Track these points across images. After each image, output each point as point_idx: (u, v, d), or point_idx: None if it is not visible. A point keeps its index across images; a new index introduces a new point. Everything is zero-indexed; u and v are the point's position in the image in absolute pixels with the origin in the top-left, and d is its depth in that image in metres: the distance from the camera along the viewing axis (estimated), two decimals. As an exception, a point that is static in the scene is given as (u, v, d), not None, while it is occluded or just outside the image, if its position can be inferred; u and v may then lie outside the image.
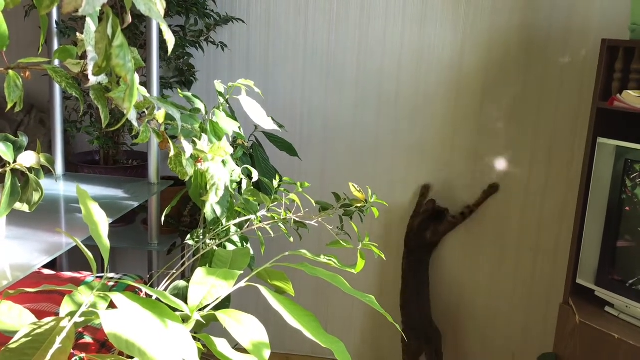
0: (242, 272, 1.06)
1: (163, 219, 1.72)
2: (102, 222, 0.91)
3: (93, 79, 0.80)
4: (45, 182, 1.16)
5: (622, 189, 1.86)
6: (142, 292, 1.33)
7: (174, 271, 1.35)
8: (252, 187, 1.58)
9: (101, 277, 0.99)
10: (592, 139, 1.93)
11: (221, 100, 1.54)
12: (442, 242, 2.47)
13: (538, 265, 2.43)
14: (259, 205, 1.55)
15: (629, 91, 1.82)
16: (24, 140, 1.13)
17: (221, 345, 0.89)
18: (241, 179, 1.56)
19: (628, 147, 1.83)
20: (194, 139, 1.21)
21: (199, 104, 1.52)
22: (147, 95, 0.97)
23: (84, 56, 0.82)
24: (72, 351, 0.98)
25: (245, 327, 0.90)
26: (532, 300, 2.46)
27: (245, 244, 1.59)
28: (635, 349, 1.77)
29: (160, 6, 0.66)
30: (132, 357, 0.74)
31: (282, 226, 1.47)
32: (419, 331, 2.38)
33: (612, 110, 1.88)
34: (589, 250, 1.96)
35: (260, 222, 1.49)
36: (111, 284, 1.44)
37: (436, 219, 2.39)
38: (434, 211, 2.38)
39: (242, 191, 1.57)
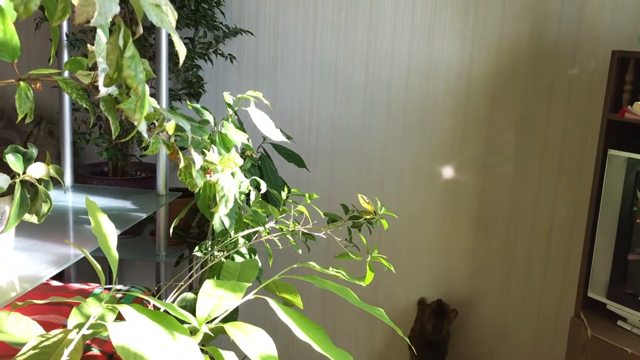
0: (250, 284, 1.05)
1: (171, 230, 1.71)
2: (111, 234, 0.91)
3: (103, 90, 0.80)
4: (54, 194, 1.16)
5: (633, 202, 1.84)
6: (150, 304, 1.32)
7: (182, 283, 1.34)
8: (260, 199, 1.58)
9: (109, 289, 0.98)
10: (602, 150, 1.92)
11: (230, 111, 1.55)
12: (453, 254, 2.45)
13: (548, 278, 2.40)
14: (267, 216, 1.55)
15: (639, 103, 1.81)
16: (33, 151, 1.13)
17: (229, 358, 0.89)
18: (249, 190, 1.55)
19: (639, 159, 1.82)
20: (204, 150, 1.21)
21: (208, 116, 1.52)
22: (157, 106, 0.97)
23: (94, 67, 0.82)
24: (79, 363, 0.97)
25: (253, 339, 0.89)
26: (542, 313, 2.43)
27: (253, 255, 1.59)
28: (648, 364, 1.74)
29: (171, 17, 0.66)
30: (140, 370, 0.73)
31: (290, 238, 1.46)
32: None
33: (622, 122, 1.87)
34: (600, 263, 1.94)
35: (268, 233, 1.48)
36: (119, 295, 1.44)
37: (441, 317, 2.37)
38: (439, 309, 2.38)
39: (251, 203, 1.56)
